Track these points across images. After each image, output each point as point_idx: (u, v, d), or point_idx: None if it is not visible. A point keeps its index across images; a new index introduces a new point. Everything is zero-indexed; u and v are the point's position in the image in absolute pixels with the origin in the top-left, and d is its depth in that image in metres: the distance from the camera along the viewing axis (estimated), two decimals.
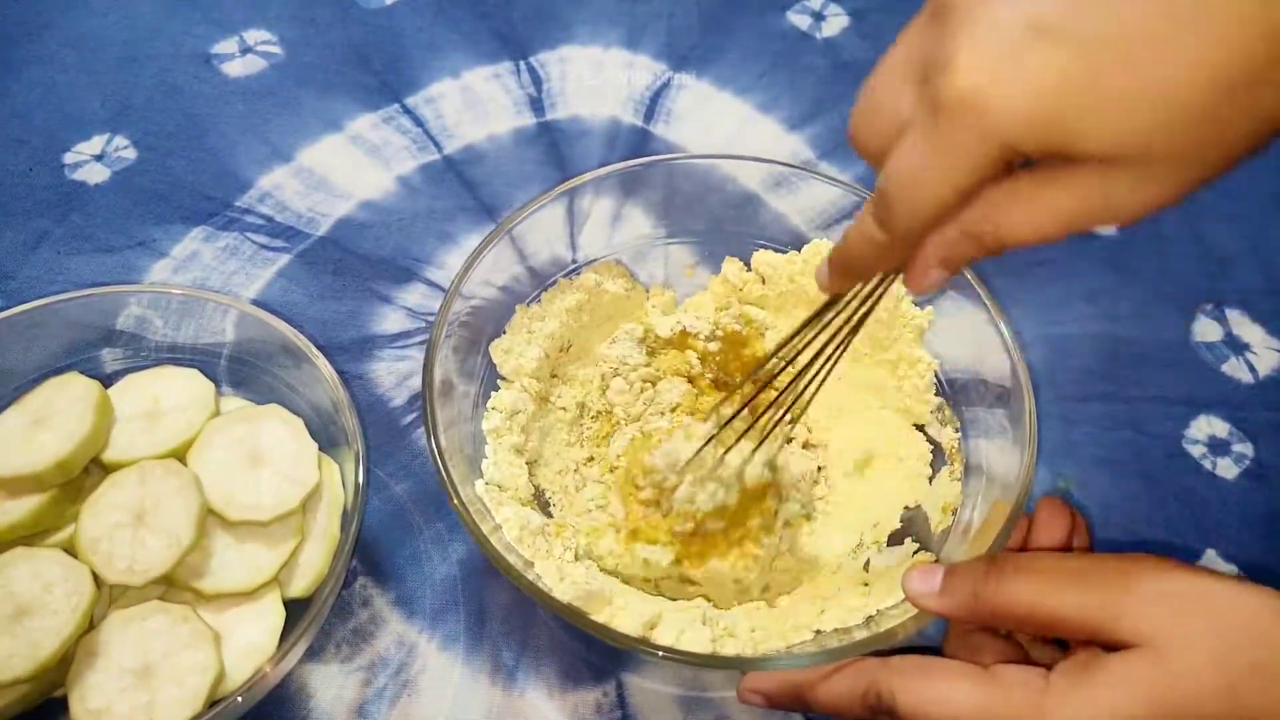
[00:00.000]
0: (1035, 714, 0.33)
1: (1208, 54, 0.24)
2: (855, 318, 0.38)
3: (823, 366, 0.40)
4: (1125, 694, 0.32)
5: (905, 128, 0.29)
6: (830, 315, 0.39)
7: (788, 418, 0.43)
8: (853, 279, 0.35)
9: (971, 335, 0.48)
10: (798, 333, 0.40)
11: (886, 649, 0.39)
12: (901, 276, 0.34)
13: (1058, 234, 0.29)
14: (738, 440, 0.44)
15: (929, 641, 0.46)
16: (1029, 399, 0.44)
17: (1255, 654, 0.31)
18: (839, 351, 0.40)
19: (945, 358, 0.51)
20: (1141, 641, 0.32)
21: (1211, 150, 0.26)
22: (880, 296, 0.37)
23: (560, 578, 0.44)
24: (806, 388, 0.41)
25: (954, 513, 0.47)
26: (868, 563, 0.49)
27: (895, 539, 0.49)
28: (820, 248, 0.52)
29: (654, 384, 0.54)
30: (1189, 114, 0.25)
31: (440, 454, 0.42)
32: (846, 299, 0.38)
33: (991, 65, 0.26)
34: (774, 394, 0.45)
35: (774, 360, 0.42)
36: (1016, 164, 0.28)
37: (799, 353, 0.41)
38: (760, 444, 0.44)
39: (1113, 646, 0.33)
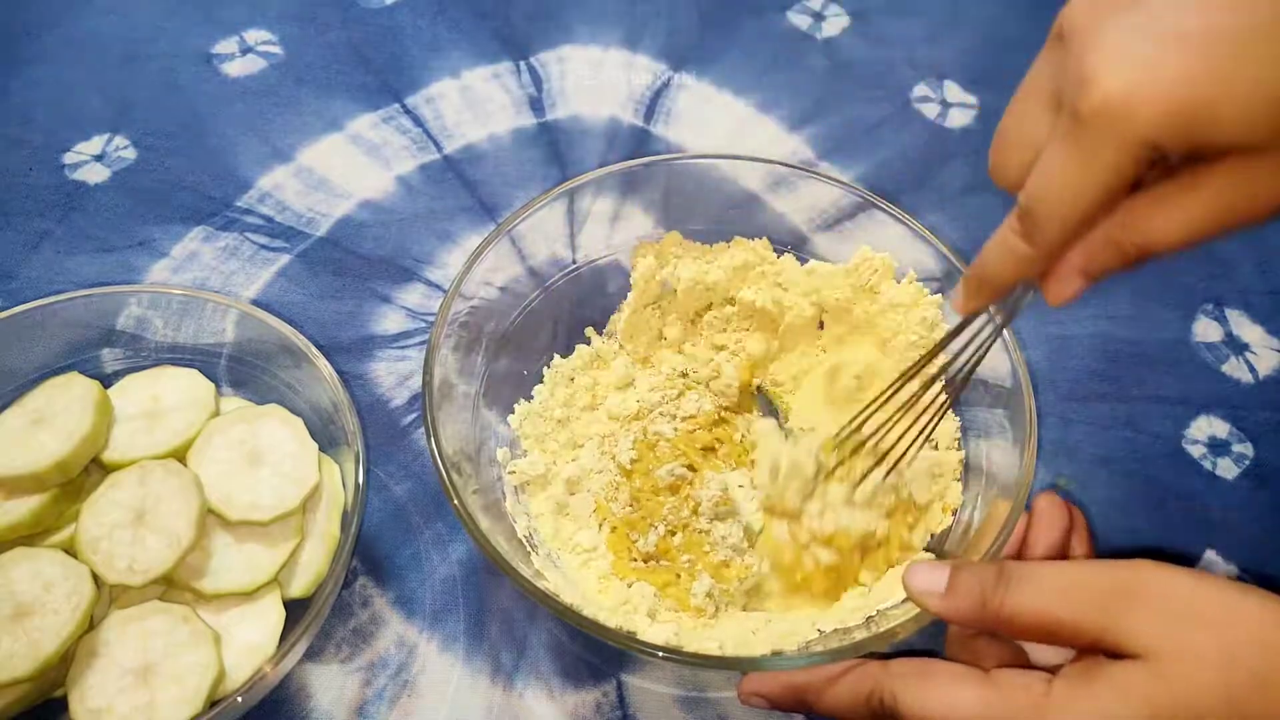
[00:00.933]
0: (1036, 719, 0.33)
1: None
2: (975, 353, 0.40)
3: (935, 409, 0.42)
4: (1125, 704, 0.32)
5: (1043, 148, 0.31)
6: (960, 339, 0.40)
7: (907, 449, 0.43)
8: (990, 296, 0.37)
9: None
10: (926, 359, 0.42)
11: (890, 650, 0.39)
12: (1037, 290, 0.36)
13: (1204, 234, 0.31)
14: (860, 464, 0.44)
15: (928, 642, 0.46)
16: (1029, 399, 0.44)
17: (1255, 664, 0.31)
18: (956, 386, 0.41)
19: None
20: (1143, 652, 0.32)
21: None
22: (1007, 323, 0.39)
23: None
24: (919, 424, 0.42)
25: (954, 513, 0.47)
26: None
27: None
28: (816, 266, 0.52)
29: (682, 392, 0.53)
30: None
31: (440, 456, 0.42)
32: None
33: (1127, 71, 0.28)
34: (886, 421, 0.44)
35: (896, 386, 0.43)
36: (1156, 167, 0.30)
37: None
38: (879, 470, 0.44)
39: (1116, 655, 0.33)
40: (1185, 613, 0.32)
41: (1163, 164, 0.31)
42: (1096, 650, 0.34)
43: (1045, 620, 0.34)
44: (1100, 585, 0.34)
